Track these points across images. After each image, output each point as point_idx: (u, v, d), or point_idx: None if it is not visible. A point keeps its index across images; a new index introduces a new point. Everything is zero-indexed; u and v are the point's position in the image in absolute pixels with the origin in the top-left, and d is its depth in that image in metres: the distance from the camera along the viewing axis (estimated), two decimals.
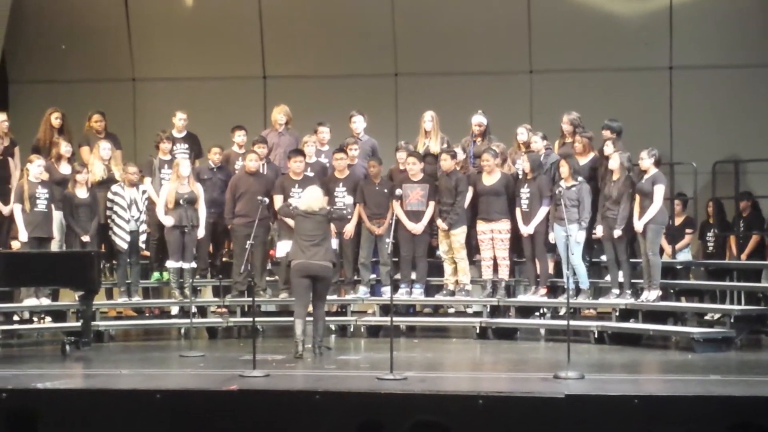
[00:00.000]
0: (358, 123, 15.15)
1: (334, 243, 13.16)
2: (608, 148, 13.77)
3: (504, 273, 14.33)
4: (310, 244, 12.26)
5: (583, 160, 14.09)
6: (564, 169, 13.73)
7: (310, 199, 12.52)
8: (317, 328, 12.37)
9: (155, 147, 15.11)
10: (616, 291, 13.71)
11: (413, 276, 14.63)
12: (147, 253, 15.00)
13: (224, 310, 14.79)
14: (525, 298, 14.42)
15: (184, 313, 14.42)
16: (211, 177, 14.96)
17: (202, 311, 14.86)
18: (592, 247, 14.13)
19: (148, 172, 14.88)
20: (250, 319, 12.41)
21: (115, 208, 14.27)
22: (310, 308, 12.46)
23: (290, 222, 13.29)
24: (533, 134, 14.46)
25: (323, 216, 12.43)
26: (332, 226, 12.93)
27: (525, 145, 14.55)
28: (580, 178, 13.76)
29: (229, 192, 14.61)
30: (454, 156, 14.43)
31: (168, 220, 14.32)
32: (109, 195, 14.31)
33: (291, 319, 12.60)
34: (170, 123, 15.44)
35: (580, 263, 13.75)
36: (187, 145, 15.34)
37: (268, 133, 15.44)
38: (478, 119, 14.82)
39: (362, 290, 14.73)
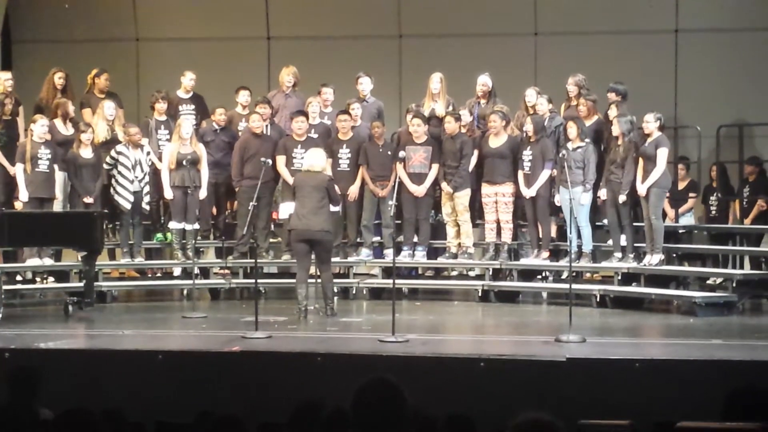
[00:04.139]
0: (365, 84, 15.06)
1: (336, 207, 13.01)
2: (612, 112, 13.73)
3: (507, 236, 14.29)
4: (308, 210, 12.21)
5: (587, 123, 14.03)
6: (572, 130, 13.65)
7: (312, 159, 12.49)
8: (326, 291, 12.38)
9: (150, 107, 15.08)
10: (619, 255, 13.69)
11: (416, 238, 14.62)
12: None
13: (227, 271, 14.78)
14: (527, 261, 14.39)
15: (187, 274, 14.41)
16: (214, 138, 14.91)
17: (205, 272, 14.87)
18: (596, 210, 14.09)
19: (146, 133, 14.81)
20: (253, 281, 12.44)
21: (119, 168, 14.25)
22: (312, 271, 12.46)
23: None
24: (540, 96, 14.36)
25: (323, 181, 12.36)
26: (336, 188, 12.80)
27: (533, 107, 14.41)
28: (587, 140, 13.70)
29: (237, 154, 14.54)
30: (458, 119, 14.37)
31: (169, 193, 14.33)
32: (113, 154, 14.27)
33: (293, 281, 12.62)
34: (174, 83, 15.38)
35: (586, 225, 13.71)
36: (193, 106, 15.28)
37: (274, 95, 15.37)
38: (484, 79, 14.71)
39: (365, 252, 14.70)
